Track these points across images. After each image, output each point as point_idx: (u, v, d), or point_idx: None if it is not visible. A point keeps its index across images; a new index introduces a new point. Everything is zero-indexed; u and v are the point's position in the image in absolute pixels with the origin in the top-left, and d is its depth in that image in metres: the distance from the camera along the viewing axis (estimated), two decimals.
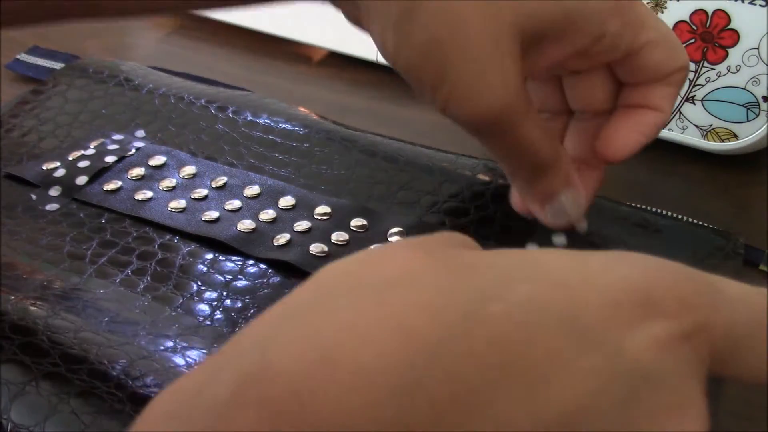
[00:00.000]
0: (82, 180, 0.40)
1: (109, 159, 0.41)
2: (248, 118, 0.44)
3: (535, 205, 0.32)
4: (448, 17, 0.26)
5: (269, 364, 0.16)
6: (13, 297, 0.32)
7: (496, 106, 0.27)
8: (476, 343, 0.16)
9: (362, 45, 0.51)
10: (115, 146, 0.42)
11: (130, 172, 0.40)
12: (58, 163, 0.41)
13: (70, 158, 0.41)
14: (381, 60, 0.51)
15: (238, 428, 0.15)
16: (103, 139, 0.43)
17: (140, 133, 0.44)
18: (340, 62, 0.53)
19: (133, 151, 0.42)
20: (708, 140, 0.43)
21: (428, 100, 0.28)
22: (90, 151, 0.42)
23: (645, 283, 0.18)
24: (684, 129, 0.44)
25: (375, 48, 0.50)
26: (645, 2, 0.42)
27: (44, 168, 0.41)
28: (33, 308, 0.32)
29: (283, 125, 0.43)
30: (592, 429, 0.16)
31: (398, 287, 0.17)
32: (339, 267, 0.18)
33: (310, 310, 0.17)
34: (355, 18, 0.29)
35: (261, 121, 0.44)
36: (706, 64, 0.42)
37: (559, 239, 0.37)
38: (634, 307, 0.17)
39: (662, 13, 0.42)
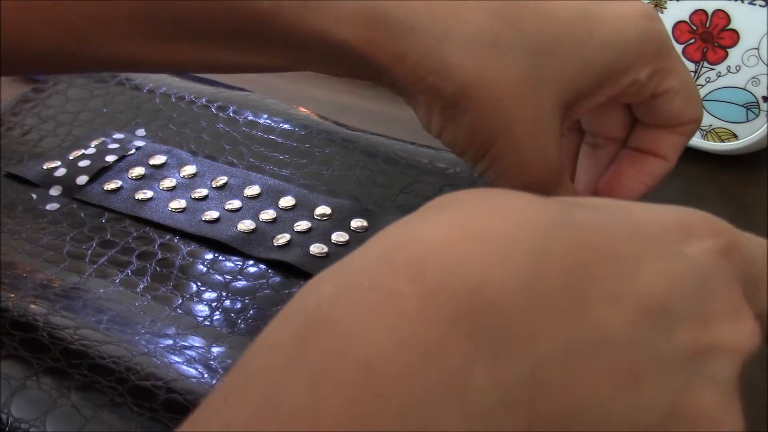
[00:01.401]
0: (82, 179, 0.40)
1: (110, 158, 0.41)
2: (249, 118, 0.44)
3: None
4: (494, 104, 0.27)
5: (412, 234, 0.18)
6: (13, 295, 0.32)
7: (537, 175, 0.29)
8: (576, 232, 0.18)
9: None
10: (115, 145, 0.42)
11: (130, 171, 0.40)
12: (59, 163, 0.41)
13: (71, 157, 0.41)
14: None
15: (389, 284, 0.17)
16: (104, 138, 0.43)
17: (141, 132, 0.44)
18: None
19: (134, 150, 0.42)
20: (708, 140, 0.43)
21: (469, 165, 0.30)
22: (90, 150, 0.42)
23: (684, 216, 0.21)
24: None
25: None
26: (645, 2, 0.42)
27: (45, 167, 0.41)
28: (33, 306, 0.32)
29: (284, 125, 0.43)
30: (678, 317, 0.18)
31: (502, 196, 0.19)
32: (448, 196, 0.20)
33: (438, 210, 0.19)
34: (394, 93, 0.30)
35: (261, 120, 0.44)
36: (706, 64, 0.42)
37: None
38: (682, 231, 0.20)
39: (662, 13, 0.42)
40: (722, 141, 0.43)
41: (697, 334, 0.19)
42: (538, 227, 0.18)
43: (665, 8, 0.41)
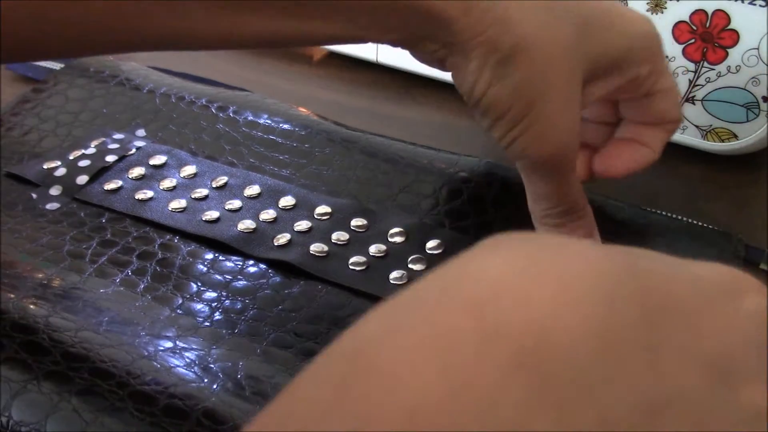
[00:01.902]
0: (82, 179, 0.40)
1: (110, 158, 0.41)
2: (249, 118, 0.44)
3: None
4: (542, 63, 0.29)
5: (471, 273, 0.17)
6: (13, 296, 0.32)
7: (563, 145, 0.31)
8: (644, 280, 0.18)
9: (362, 45, 0.51)
10: (115, 145, 0.42)
11: (130, 171, 0.40)
12: (59, 162, 0.41)
13: (71, 157, 0.41)
14: (381, 60, 0.51)
15: (444, 324, 0.16)
16: (104, 138, 0.43)
17: (141, 132, 0.44)
18: (340, 62, 0.53)
19: (134, 150, 0.42)
20: (708, 140, 0.43)
21: (499, 133, 0.31)
22: (91, 150, 0.42)
23: (732, 272, 0.20)
24: (684, 129, 0.44)
25: (375, 48, 0.50)
26: (645, 2, 0.42)
27: (45, 167, 0.41)
28: (33, 307, 0.32)
29: (284, 125, 0.43)
30: (743, 374, 0.18)
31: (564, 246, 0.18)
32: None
33: (494, 249, 0.19)
34: (438, 58, 0.31)
35: (261, 121, 0.44)
36: (706, 64, 0.42)
37: None
38: (735, 286, 0.20)
39: (662, 13, 0.42)
40: (722, 141, 0.43)
41: (761, 392, 0.18)
42: (608, 271, 0.17)
43: (665, 8, 0.41)
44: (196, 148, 0.42)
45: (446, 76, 0.50)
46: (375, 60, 0.51)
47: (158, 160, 0.41)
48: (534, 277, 0.16)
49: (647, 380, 0.16)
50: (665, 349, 0.17)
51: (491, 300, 0.16)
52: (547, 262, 0.17)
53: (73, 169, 0.41)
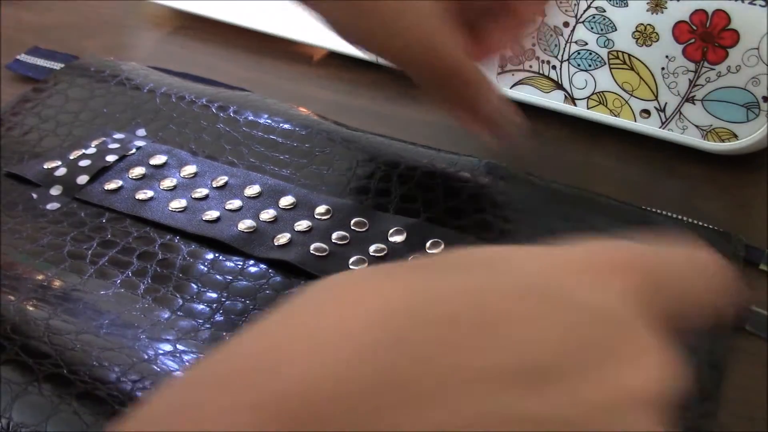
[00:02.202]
0: (83, 179, 0.40)
1: (110, 158, 0.41)
2: (249, 118, 0.44)
3: (483, 126, 0.37)
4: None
5: (236, 347, 0.17)
6: (13, 298, 0.32)
7: (418, 42, 0.33)
8: (431, 311, 0.17)
9: None
10: (116, 145, 0.42)
11: (131, 171, 0.40)
12: (59, 162, 0.41)
13: (71, 157, 0.41)
14: (381, 60, 0.51)
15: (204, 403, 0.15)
16: (104, 138, 0.43)
17: (141, 132, 0.44)
18: (340, 62, 0.53)
19: (134, 150, 0.42)
20: (708, 140, 0.43)
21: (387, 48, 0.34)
22: (91, 150, 0.42)
23: (591, 257, 0.20)
24: (684, 129, 0.44)
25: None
26: (645, 2, 0.42)
27: (45, 167, 0.41)
28: (33, 309, 0.32)
29: (284, 125, 0.43)
30: (572, 373, 0.17)
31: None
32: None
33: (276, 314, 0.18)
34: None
35: (262, 120, 0.44)
36: (706, 64, 0.42)
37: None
38: (583, 274, 0.19)
39: (662, 13, 0.42)
40: (722, 141, 0.43)
41: (599, 388, 0.17)
42: (385, 314, 0.16)
43: (665, 8, 0.42)
44: (196, 147, 0.42)
45: None
46: (375, 60, 0.51)
47: (158, 159, 0.41)
48: (301, 335, 0.16)
49: (432, 418, 0.15)
50: (455, 380, 0.16)
51: (255, 366, 0.16)
52: (321, 316, 0.17)
53: (74, 169, 0.41)
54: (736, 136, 0.43)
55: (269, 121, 0.44)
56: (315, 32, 0.52)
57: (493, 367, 0.16)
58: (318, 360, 0.16)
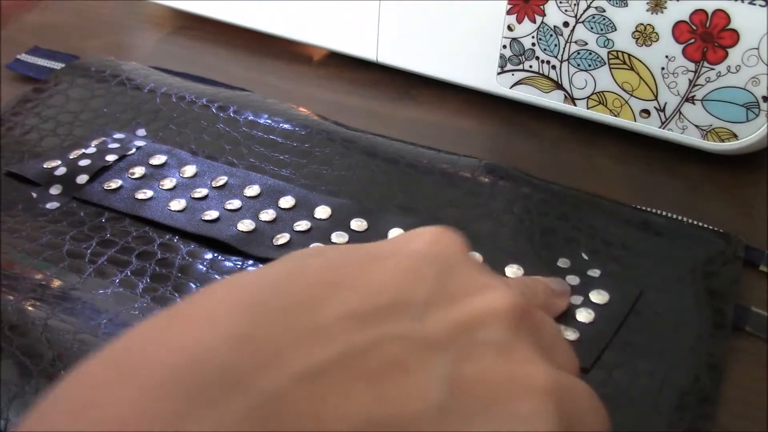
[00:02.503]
0: (82, 179, 0.40)
1: (110, 158, 0.41)
2: (249, 118, 0.44)
3: None
4: None
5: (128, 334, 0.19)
6: (12, 297, 0.32)
7: None
8: (293, 278, 0.20)
9: (362, 45, 0.51)
10: (116, 145, 0.42)
11: (130, 171, 0.40)
12: (59, 162, 0.41)
13: (71, 157, 0.41)
14: (381, 60, 0.51)
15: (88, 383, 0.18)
16: (104, 138, 0.43)
17: (141, 131, 0.44)
18: (340, 62, 0.53)
19: (134, 150, 0.42)
20: (708, 140, 0.43)
21: None
22: (91, 150, 0.42)
23: (417, 230, 0.24)
24: (684, 129, 0.44)
25: (375, 48, 0.50)
26: (645, 2, 0.42)
27: (45, 167, 0.41)
28: (32, 309, 0.32)
29: (284, 125, 0.43)
30: (420, 304, 0.20)
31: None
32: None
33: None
34: None
35: (262, 121, 0.44)
36: (706, 64, 0.42)
37: (558, 239, 0.37)
38: (412, 237, 0.23)
39: (662, 13, 0.42)
40: (722, 141, 0.43)
41: (448, 312, 0.20)
42: (244, 300, 0.19)
43: (665, 8, 0.41)
44: (196, 147, 0.42)
45: (446, 75, 0.50)
46: (375, 60, 0.51)
47: (158, 159, 0.41)
48: (180, 317, 0.19)
49: (298, 357, 0.18)
50: (319, 322, 0.19)
51: (138, 345, 0.18)
52: (195, 302, 0.19)
53: (74, 169, 0.41)
54: (736, 136, 0.43)
55: (269, 122, 0.44)
56: (315, 32, 0.52)
57: (350, 305, 0.19)
58: (195, 326, 0.18)
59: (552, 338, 0.23)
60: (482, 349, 0.20)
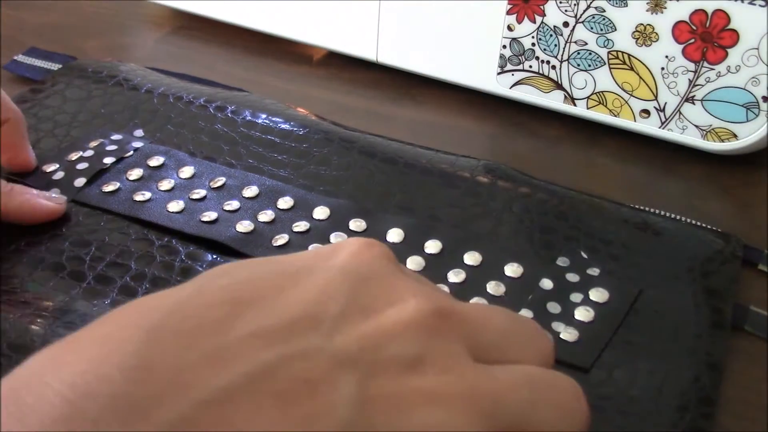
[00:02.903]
0: (80, 182, 0.40)
1: (108, 160, 0.41)
2: (247, 118, 0.44)
3: None
4: None
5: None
6: (12, 316, 0.32)
7: None
8: (201, 302, 0.20)
9: (362, 45, 0.51)
10: (113, 147, 0.42)
11: (128, 173, 0.40)
12: (57, 165, 0.41)
13: (69, 159, 0.41)
14: (381, 60, 0.51)
15: None
16: (102, 140, 0.43)
17: (139, 132, 0.43)
18: (339, 62, 0.53)
19: (132, 152, 0.42)
20: (708, 140, 0.43)
21: None
22: (89, 153, 0.42)
23: (334, 244, 0.24)
24: (684, 129, 0.44)
25: (375, 48, 0.50)
26: (645, 2, 0.42)
27: (44, 170, 0.41)
28: (31, 326, 0.31)
29: (282, 125, 0.43)
30: (332, 319, 0.20)
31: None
32: None
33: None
34: None
35: (260, 121, 0.44)
36: (705, 64, 0.42)
37: (559, 238, 0.37)
38: (329, 251, 0.23)
39: (662, 13, 0.42)
40: (722, 141, 0.43)
41: (359, 328, 0.20)
42: (151, 323, 0.19)
43: (665, 8, 0.41)
44: (194, 148, 0.42)
45: (446, 75, 0.50)
46: (375, 60, 0.51)
47: (156, 161, 0.41)
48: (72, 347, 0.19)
49: (206, 378, 0.17)
50: (229, 342, 0.18)
51: (28, 379, 0.18)
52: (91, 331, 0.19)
53: (71, 172, 0.40)
54: (735, 136, 0.43)
55: (267, 122, 0.43)
56: (315, 32, 0.52)
57: (263, 323, 0.19)
58: (88, 367, 0.17)
59: (495, 335, 0.22)
60: (391, 364, 0.19)
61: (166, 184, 0.40)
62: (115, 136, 0.43)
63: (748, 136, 0.42)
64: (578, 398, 0.22)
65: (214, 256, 0.36)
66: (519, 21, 0.45)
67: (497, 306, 0.25)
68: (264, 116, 0.44)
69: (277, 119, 0.44)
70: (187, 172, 0.40)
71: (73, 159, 0.41)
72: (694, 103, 0.43)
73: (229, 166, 0.41)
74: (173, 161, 0.41)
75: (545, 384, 0.22)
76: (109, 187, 0.39)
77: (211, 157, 0.42)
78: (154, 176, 0.40)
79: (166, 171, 0.40)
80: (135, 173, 0.40)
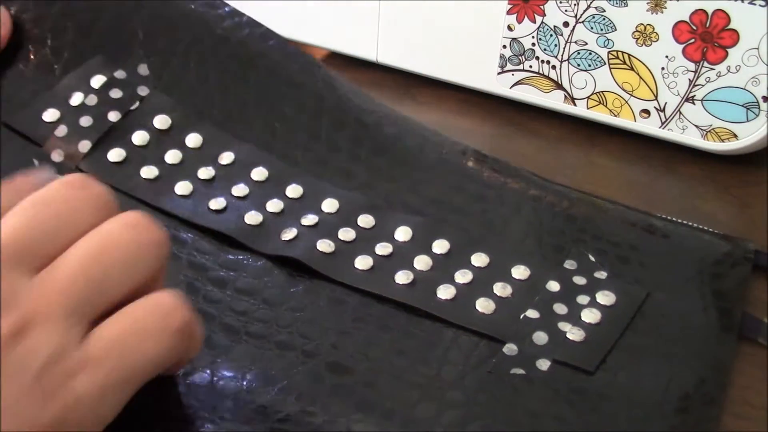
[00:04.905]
0: (85, 145, 0.37)
1: (113, 116, 0.38)
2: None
3: None
4: None
5: None
6: None
7: None
8: None
9: (362, 45, 0.51)
10: (118, 93, 0.39)
11: (133, 135, 0.38)
12: (59, 114, 0.38)
13: (71, 104, 0.38)
14: (381, 60, 0.51)
15: None
16: (105, 78, 0.39)
17: (143, 69, 0.40)
18: (340, 62, 0.53)
19: (138, 102, 0.39)
20: (708, 140, 0.44)
21: None
22: (92, 98, 0.39)
23: None
24: (684, 129, 0.44)
25: (375, 48, 0.50)
26: (645, 2, 0.42)
27: (44, 119, 0.38)
28: None
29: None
30: None
31: None
32: None
33: None
34: None
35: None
36: (706, 64, 0.42)
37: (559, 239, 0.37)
38: None
39: (662, 13, 0.42)
40: (722, 141, 0.43)
41: None
42: None
43: (665, 8, 0.42)
44: (204, 92, 0.40)
45: (446, 76, 0.50)
46: (375, 60, 0.51)
47: (163, 122, 0.39)
48: None
49: None
50: None
51: None
52: None
53: (75, 129, 0.38)
54: (735, 136, 0.43)
55: None
56: (315, 32, 0.52)
57: None
58: None
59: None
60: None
61: (172, 157, 0.38)
62: (119, 74, 0.40)
63: (748, 136, 0.42)
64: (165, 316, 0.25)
65: (220, 251, 0.35)
66: (519, 21, 0.45)
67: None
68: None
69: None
70: (194, 140, 0.38)
71: (75, 105, 0.38)
72: (694, 103, 0.43)
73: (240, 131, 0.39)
74: (181, 120, 0.39)
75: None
76: (115, 157, 0.37)
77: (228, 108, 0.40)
78: (160, 143, 0.38)
79: (173, 136, 0.38)
80: (140, 137, 0.38)
